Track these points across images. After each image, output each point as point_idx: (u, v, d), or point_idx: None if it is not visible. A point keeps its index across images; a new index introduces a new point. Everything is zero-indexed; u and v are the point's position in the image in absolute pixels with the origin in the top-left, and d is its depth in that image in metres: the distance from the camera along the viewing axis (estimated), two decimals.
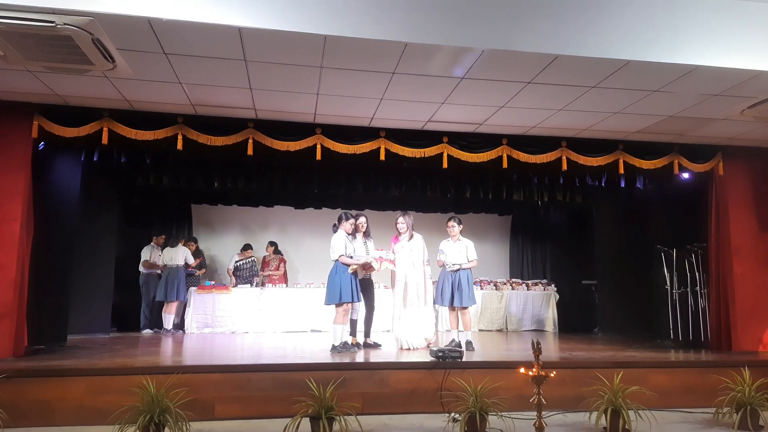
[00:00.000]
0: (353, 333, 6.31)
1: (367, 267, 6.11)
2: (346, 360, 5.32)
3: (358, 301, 5.99)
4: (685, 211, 7.62)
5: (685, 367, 5.54)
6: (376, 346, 6.26)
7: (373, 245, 6.50)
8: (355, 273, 5.99)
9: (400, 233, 6.56)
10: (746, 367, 4.69)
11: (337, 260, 5.96)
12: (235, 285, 9.10)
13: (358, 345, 6.22)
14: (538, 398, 3.29)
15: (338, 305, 5.91)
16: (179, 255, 8.58)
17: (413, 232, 6.56)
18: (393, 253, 6.47)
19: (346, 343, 5.86)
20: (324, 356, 5.55)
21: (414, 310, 6.34)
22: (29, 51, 4.32)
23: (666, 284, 7.61)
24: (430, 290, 6.53)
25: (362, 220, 6.48)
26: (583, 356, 5.81)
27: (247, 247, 9.66)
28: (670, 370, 5.38)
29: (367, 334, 6.40)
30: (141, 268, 8.73)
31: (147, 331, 8.44)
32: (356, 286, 5.98)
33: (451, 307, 6.32)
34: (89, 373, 4.56)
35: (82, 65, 4.58)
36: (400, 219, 6.54)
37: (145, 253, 8.77)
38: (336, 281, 5.91)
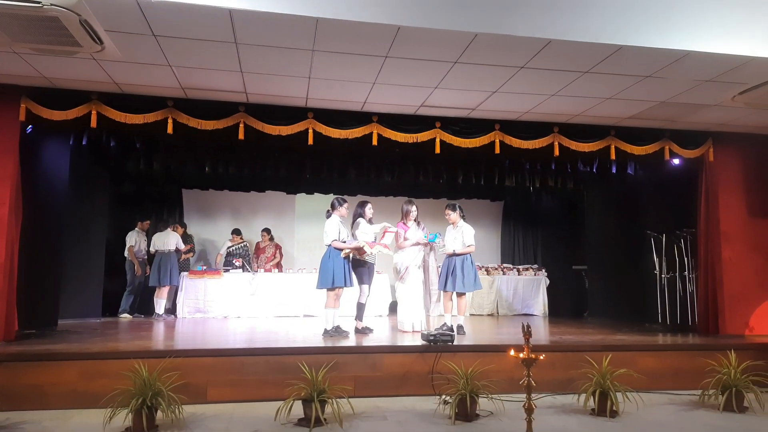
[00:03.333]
0: (360, 317, 6.34)
1: (360, 251, 6.13)
2: (339, 344, 5.36)
3: (350, 285, 6.01)
4: (675, 197, 7.68)
5: (672, 350, 5.63)
6: (367, 330, 6.30)
7: (420, 229, 6.60)
8: (347, 258, 6.01)
9: (408, 220, 6.62)
10: (732, 351, 4.78)
11: (330, 245, 5.98)
12: (227, 270, 9.08)
13: (366, 329, 6.26)
14: (527, 381, 3.33)
15: (330, 290, 5.94)
16: (170, 240, 8.54)
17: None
18: (405, 238, 6.55)
19: (338, 327, 5.89)
20: (316, 340, 5.58)
21: (419, 293, 6.47)
22: (16, 32, 4.25)
23: (655, 269, 7.70)
24: (435, 275, 6.67)
25: (413, 207, 6.63)
26: (572, 340, 5.88)
27: (237, 232, 9.63)
28: (658, 354, 5.47)
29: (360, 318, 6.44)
30: (126, 254, 8.67)
31: (125, 316, 8.37)
32: (349, 271, 6.00)
33: (446, 292, 6.38)
34: (81, 357, 4.56)
35: (70, 47, 4.51)
36: (413, 207, 6.65)
37: (130, 239, 8.69)
38: (329, 266, 5.92)
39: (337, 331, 5.87)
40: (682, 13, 4.59)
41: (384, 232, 6.32)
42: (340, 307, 6.06)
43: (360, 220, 6.36)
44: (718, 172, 6.91)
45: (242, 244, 9.58)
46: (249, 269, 9.02)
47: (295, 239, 10.64)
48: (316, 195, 10.19)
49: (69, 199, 7.00)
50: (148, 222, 9.02)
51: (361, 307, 6.36)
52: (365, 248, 6.06)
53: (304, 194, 10.40)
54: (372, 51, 4.70)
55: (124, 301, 8.52)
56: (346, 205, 6.25)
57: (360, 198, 10.09)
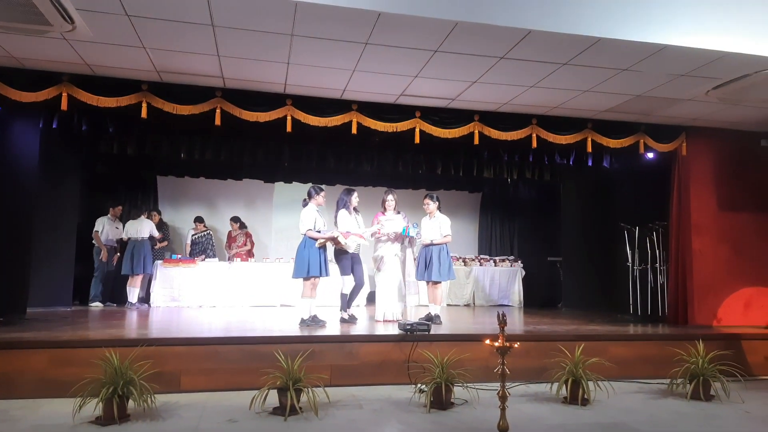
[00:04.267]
0: (346, 307, 6.29)
1: (335, 241, 6.09)
2: (315, 333, 5.33)
3: (326, 275, 5.98)
4: (649, 190, 7.82)
5: (642, 340, 5.75)
6: (351, 319, 6.28)
7: (362, 220, 6.53)
8: (323, 247, 5.98)
9: (386, 210, 6.59)
10: (701, 340, 4.89)
11: (305, 234, 5.94)
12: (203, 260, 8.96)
13: (352, 317, 6.23)
14: (502, 369, 3.36)
15: (306, 279, 5.90)
16: (143, 228, 8.37)
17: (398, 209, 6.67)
18: (379, 224, 6.53)
19: (314, 316, 5.87)
20: (293, 330, 5.55)
21: (396, 283, 6.47)
22: None
23: (628, 261, 7.84)
24: (412, 265, 6.66)
25: (390, 197, 6.57)
26: (546, 329, 5.96)
27: (199, 220, 9.47)
28: (629, 343, 5.58)
29: (348, 306, 6.41)
30: (94, 241, 8.46)
31: (96, 304, 8.20)
32: (324, 260, 5.97)
33: (426, 282, 6.40)
34: (50, 345, 4.45)
35: (39, 25, 4.36)
36: (390, 197, 6.60)
37: (99, 225, 8.45)
38: (304, 255, 5.88)
39: (314, 321, 5.84)
40: (659, 7, 4.63)
41: (347, 236, 6.21)
42: (316, 297, 6.03)
43: (342, 211, 6.29)
44: (690, 166, 7.04)
45: (205, 233, 9.43)
46: (212, 257, 8.92)
47: (272, 228, 10.55)
48: (295, 184, 10.11)
49: (39, 184, 6.79)
50: (120, 208, 8.80)
51: (343, 298, 6.32)
52: (340, 239, 6.02)
53: (282, 183, 10.31)
54: (352, 37, 4.65)
55: (93, 288, 8.33)
56: (323, 194, 6.20)
57: (339, 187, 10.15)
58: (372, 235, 6.50)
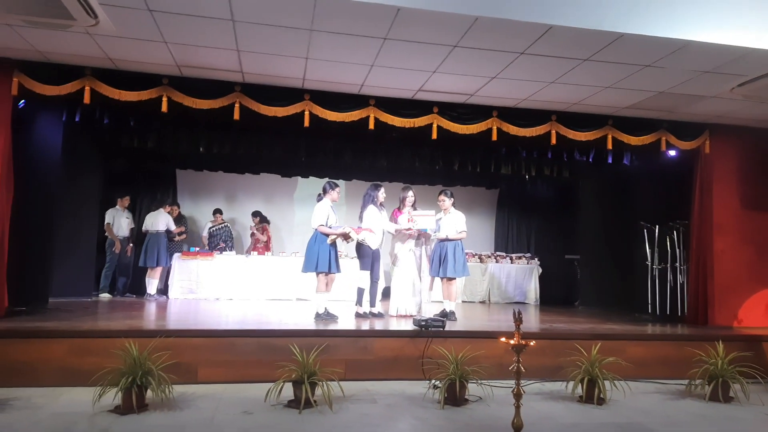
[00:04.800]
0: (360, 302, 6.29)
1: (346, 237, 6.10)
2: (330, 327, 5.36)
3: (336, 271, 6.01)
4: (670, 189, 7.70)
5: (661, 340, 5.68)
6: (379, 315, 6.29)
7: (386, 215, 6.56)
8: (334, 243, 6.00)
9: (405, 206, 6.61)
10: (720, 341, 4.81)
11: (317, 229, 5.97)
12: (217, 252, 9.04)
13: (373, 314, 6.23)
14: (517, 366, 3.34)
15: (319, 274, 5.94)
16: (159, 220, 8.47)
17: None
18: (397, 222, 6.57)
19: (327, 311, 5.89)
20: (308, 323, 5.58)
21: (410, 278, 6.48)
22: (8, 3, 4.15)
23: (647, 260, 7.73)
24: (426, 262, 6.69)
25: (410, 193, 6.61)
26: (563, 328, 5.91)
27: (217, 212, 9.54)
28: (647, 343, 5.51)
29: (372, 304, 6.43)
30: (106, 233, 8.56)
31: (104, 296, 8.28)
32: (335, 256, 6.00)
33: (440, 278, 6.40)
34: (71, 335, 4.54)
35: (63, 20, 4.42)
36: (409, 193, 6.62)
37: (109, 216, 8.52)
38: (314, 250, 5.93)
39: (328, 315, 5.87)
40: (683, 2, 4.53)
41: (358, 232, 6.19)
42: (330, 292, 6.07)
43: (371, 207, 6.29)
44: (713, 164, 6.91)
45: (223, 225, 9.51)
46: (230, 250, 8.98)
47: (292, 222, 10.61)
48: (312, 178, 10.14)
49: (61, 176, 6.93)
50: (128, 198, 8.82)
51: (360, 292, 6.31)
52: (351, 234, 6.03)
53: (299, 177, 10.35)
54: (371, 32, 4.64)
55: (103, 279, 8.40)
56: (337, 189, 6.23)
57: (356, 182, 10.20)
58: (397, 232, 6.48)
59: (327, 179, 6.60)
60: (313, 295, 6.13)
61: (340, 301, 8.09)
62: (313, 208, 6.19)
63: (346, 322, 5.87)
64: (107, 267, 8.46)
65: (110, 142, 8.21)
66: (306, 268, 6.02)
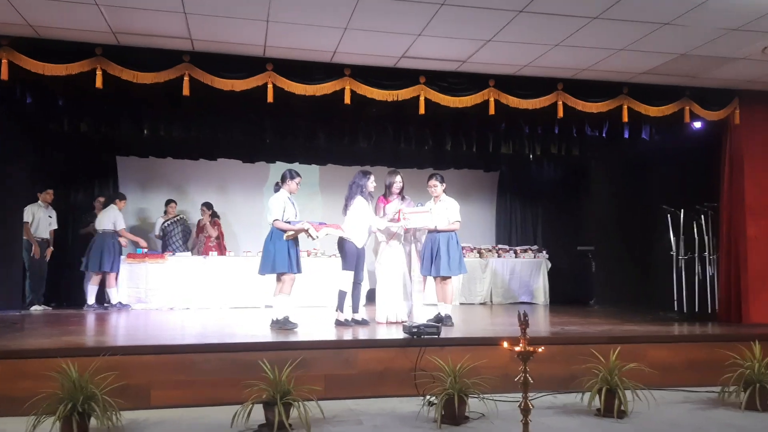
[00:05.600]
0: (341, 308, 6.26)
1: (307, 234, 6.05)
2: (306, 338, 5.36)
3: (297, 272, 6.04)
4: (696, 167, 7.79)
5: (689, 341, 5.77)
6: (363, 322, 6.30)
7: (405, 204, 6.59)
8: (295, 240, 6.02)
9: (391, 194, 6.59)
10: (757, 341, 4.90)
11: (273, 224, 5.99)
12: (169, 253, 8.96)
13: (356, 321, 6.25)
14: (524, 377, 3.38)
15: (282, 273, 5.97)
16: (104, 218, 8.39)
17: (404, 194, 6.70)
18: (384, 213, 6.54)
19: (287, 318, 5.90)
20: (279, 334, 5.58)
21: (399, 278, 6.49)
22: None
23: (671, 250, 7.83)
24: (417, 260, 6.71)
25: (398, 179, 6.62)
26: (576, 330, 5.99)
27: (171, 203, 9.48)
28: (673, 345, 5.60)
29: (355, 309, 6.43)
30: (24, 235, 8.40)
31: (36, 308, 8.14)
32: (295, 254, 6.02)
33: (434, 277, 6.41)
34: None
35: None
36: (397, 179, 6.61)
37: (28, 215, 8.34)
38: (270, 249, 5.96)
39: (286, 322, 5.87)
40: None
41: (318, 229, 6.19)
42: (291, 294, 6.09)
43: (359, 198, 6.22)
44: (744, 136, 7.01)
45: (178, 217, 9.44)
46: (185, 250, 8.95)
47: (253, 217, 10.50)
48: (279, 164, 10.07)
49: None
50: (51, 192, 8.64)
51: (341, 296, 6.30)
52: (311, 231, 6.01)
53: (263, 162, 10.28)
54: None
55: (29, 289, 8.27)
56: (297, 180, 6.22)
57: (332, 167, 10.16)
58: (386, 231, 6.45)
59: (288, 168, 6.48)
60: (273, 299, 6.15)
61: (317, 307, 8.11)
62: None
63: (325, 331, 5.86)
64: (29, 276, 8.33)
65: (36, 126, 8.06)
66: (262, 269, 6.07)
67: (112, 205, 8.58)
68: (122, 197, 8.89)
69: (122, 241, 8.63)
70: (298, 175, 6.26)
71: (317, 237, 6.14)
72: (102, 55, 5.65)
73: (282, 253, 5.92)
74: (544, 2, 4.81)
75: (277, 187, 6.25)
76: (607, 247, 9.66)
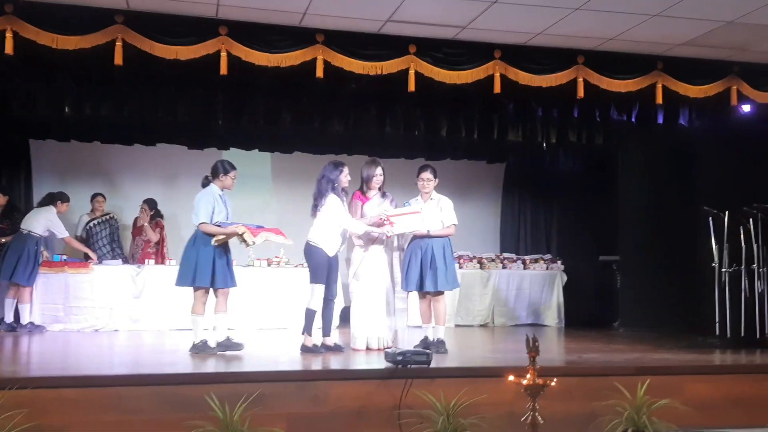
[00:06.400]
0: (308, 330, 6.17)
1: (241, 238, 6.03)
2: (265, 369, 5.33)
3: (223, 286, 6.02)
4: (744, 160, 7.87)
5: (734, 372, 5.81)
6: (337, 348, 6.27)
7: (387, 202, 6.56)
8: (225, 246, 6.03)
9: (370, 189, 6.56)
10: None
11: (198, 227, 6.00)
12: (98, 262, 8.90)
13: (328, 347, 6.21)
14: (532, 417, 3.40)
15: (196, 289, 5.97)
16: (35, 219, 8.30)
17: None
18: (363, 214, 6.50)
19: (205, 342, 5.93)
20: (231, 364, 5.55)
21: (381, 295, 6.47)
22: None
23: (713, 261, 7.90)
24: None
25: (378, 170, 6.53)
26: (596, 359, 6.03)
27: (96, 197, 9.39)
28: (715, 377, 5.64)
29: (326, 332, 6.38)
30: None
31: None
32: (225, 264, 6.04)
33: (421, 293, 6.39)
34: None
35: None
36: (377, 171, 6.53)
37: None
38: (191, 256, 5.95)
39: (204, 347, 5.90)
40: None
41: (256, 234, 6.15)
42: (227, 312, 6.12)
43: (332, 196, 6.15)
44: None
45: (106, 216, 9.37)
46: (115, 257, 8.95)
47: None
48: (234, 151, 10.03)
49: None
50: None
51: (309, 315, 6.23)
52: (246, 237, 5.97)
53: (214, 149, 10.22)
54: None
55: None
56: (233, 174, 6.20)
57: (299, 156, 10.14)
58: (364, 236, 6.41)
59: (221, 160, 6.41)
60: (190, 317, 6.16)
61: (278, 330, 8.08)
62: (247, 192, 6.14)
63: (288, 359, 5.84)
64: None
65: None
66: (179, 281, 6.05)
67: (50, 206, 8.46)
68: (65, 199, 8.77)
69: (45, 253, 8.53)
70: (234, 168, 6.24)
71: (254, 243, 6.08)
72: (12, 13, 5.63)
73: (205, 263, 5.90)
74: None
75: (207, 181, 6.21)
76: (636, 258, 9.73)
